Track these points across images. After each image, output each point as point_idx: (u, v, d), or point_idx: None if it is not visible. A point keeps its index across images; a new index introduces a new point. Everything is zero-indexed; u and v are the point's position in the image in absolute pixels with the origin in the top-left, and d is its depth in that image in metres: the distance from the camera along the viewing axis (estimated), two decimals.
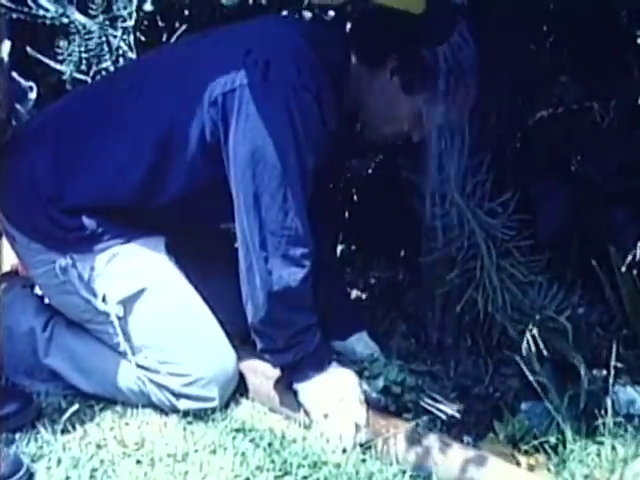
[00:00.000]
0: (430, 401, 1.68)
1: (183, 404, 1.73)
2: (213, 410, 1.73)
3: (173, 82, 1.71)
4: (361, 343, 1.89)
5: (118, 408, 1.76)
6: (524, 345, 1.66)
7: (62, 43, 2.11)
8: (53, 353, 1.82)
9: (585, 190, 2.03)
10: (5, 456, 1.47)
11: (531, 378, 1.61)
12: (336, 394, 1.64)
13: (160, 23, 2.16)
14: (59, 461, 1.55)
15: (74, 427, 1.66)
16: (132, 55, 2.08)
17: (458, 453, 1.50)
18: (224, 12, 2.07)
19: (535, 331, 1.67)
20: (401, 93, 1.65)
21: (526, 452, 1.58)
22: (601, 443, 1.49)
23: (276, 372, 1.75)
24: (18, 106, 2.06)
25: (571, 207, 2.03)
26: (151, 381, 1.73)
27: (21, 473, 1.47)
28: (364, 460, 1.55)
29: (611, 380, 1.59)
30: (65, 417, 1.67)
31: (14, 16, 2.10)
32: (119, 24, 2.07)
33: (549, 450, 1.56)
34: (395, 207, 2.05)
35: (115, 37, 2.08)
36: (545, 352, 1.67)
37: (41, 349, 1.82)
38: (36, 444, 1.60)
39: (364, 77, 1.67)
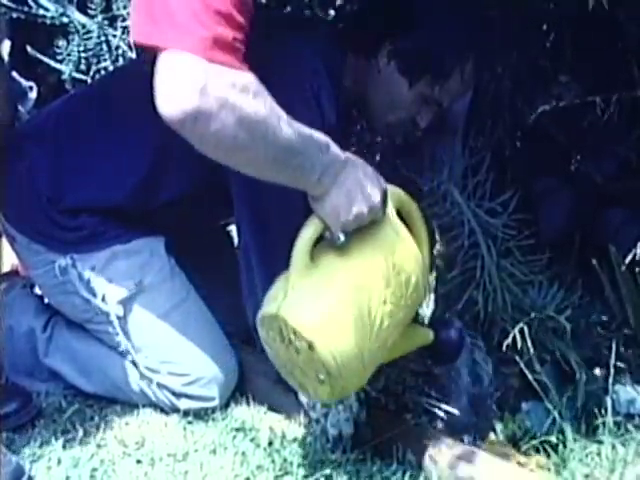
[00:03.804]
0: (430, 401, 1.68)
1: (183, 404, 1.73)
2: (213, 410, 1.74)
3: None
4: None
5: (118, 408, 1.76)
6: (524, 345, 1.66)
7: (61, 43, 2.11)
8: (53, 353, 1.82)
9: (586, 189, 2.02)
10: (7, 463, 1.45)
11: (531, 378, 1.61)
12: None
13: None
14: (59, 461, 1.55)
15: (74, 427, 1.67)
16: (132, 55, 2.07)
17: (457, 452, 1.50)
18: None
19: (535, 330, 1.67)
20: (400, 77, 1.63)
21: (526, 452, 1.58)
22: (601, 442, 1.49)
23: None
24: (18, 106, 2.06)
25: (572, 206, 2.02)
26: (151, 381, 1.73)
27: None
28: (364, 460, 1.55)
29: (611, 379, 1.59)
30: (65, 417, 1.68)
31: (14, 16, 2.10)
32: (119, 23, 2.07)
33: (549, 450, 1.55)
34: None
35: (115, 36, 2.08)
36: (545, 352, 1.66)
37: (41, 349, 1.82)
38: (36, 444, 1.60)
39: (362, 69, 1.66)
